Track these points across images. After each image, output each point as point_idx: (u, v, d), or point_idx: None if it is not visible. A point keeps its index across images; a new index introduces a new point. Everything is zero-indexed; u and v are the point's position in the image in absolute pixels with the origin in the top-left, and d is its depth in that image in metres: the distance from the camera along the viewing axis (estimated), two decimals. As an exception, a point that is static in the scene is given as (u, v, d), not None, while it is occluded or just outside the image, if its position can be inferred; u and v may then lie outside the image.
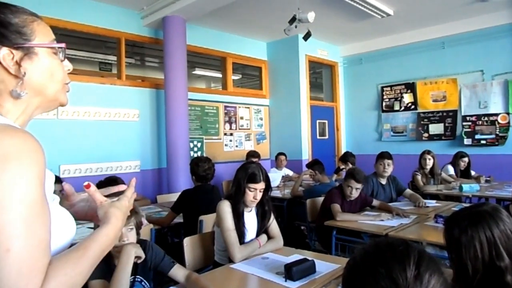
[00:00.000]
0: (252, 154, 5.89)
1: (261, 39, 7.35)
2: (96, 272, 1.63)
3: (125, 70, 5.58)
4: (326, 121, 7.83)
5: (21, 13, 0.82)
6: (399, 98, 7.23)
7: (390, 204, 3.72)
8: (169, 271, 1.90)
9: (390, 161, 4.02)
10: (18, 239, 0.65)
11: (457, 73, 6.51)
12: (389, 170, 4.04)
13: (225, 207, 2.30)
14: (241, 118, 7.06)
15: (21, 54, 0.79)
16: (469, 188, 4.45)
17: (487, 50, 6.19)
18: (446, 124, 6.67)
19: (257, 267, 2.06)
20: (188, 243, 2.46)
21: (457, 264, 1.26)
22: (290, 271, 1.83)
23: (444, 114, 6.70)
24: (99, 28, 5.21)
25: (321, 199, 3.75)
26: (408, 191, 4.14)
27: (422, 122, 6.96)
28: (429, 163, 4.84)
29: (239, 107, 7.03)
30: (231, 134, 6.86)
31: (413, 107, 7.08)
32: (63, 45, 0.88)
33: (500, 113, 6.11)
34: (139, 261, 1.77)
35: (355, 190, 3.41)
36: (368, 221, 3.14)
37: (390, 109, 7.36)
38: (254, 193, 2.30)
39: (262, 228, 2.40)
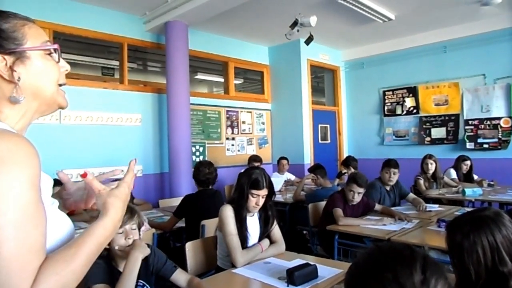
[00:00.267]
0: (254, 158, 5.90)
1: (263, 43, 7.37)
2: (99, 275, 1.63)
3: (128, 75, 5.60)
4: (328, 125, 7.83)
5: (12, 18, 0.82)
6: (401, 102, 7.22)
7: (393, 208, 3.71)
8: (171, 275, 1.90)
9: (396, 170, 4.01)
10: (8, 243, 0.65)
11: (459, 77, 6.51)
12: (394, 179, 4.03)
13: (228, 211, 2.30)
14: (243, 122, 7.07)
15: (13, 59, 0.79)
16: (472, 192, 4.44)
17: (489, 54, 6.19)
18: (448, 128, 6.65)
19: (259, 272, 2.05)
20: (190, 247, 2.46)
21: (460, 269, 1.26)
22: (292, 276, 1.83)
23: (446, 118, 6.69)
24: (101, 33, 5.24)
25: (323, 203, 3.74)
26: (411, 195, 4.14)
27: (424, 126, 6.95)
28: (431, 167, 4.83)
29: (241, 111, 7.04)
30: (233, 139, 6.87)
31: (415, 111, 7.08)
32: (55, 46, 0.87)
33: (502, 117, 6.10)
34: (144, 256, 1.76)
35: (357, 195, 3.40)
36: (371, 226, 3.13)
37: (392, 113, 7.36)
38: (256, 199, 2.29)
39: (265, 233, 2.40)
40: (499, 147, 6.10)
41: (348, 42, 7.33)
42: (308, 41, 5.34)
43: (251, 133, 7.19)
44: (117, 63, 6.14)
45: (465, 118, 6.45)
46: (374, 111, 7.67)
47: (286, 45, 7.04)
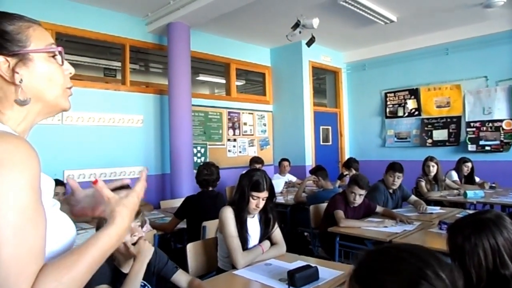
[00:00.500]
0: (256, 160, 5.90)
1: (264, 45, 7.38)
2: (100, 276, 1.63)
3: (130, 76, 5.61)
4: (330, 127, 7.83)
5: (17, 20, 0.82)
6: (403, 104, 7.22)
7: (394, 210, 3.71)
8: (172, 276, 1.90)
9: (400, 175, 4.00)
10: (6, 246, 0.65)
11: (461, 79, 6.50)
12: (398, 183, 4.03)
13: (228, 213, 2.30)
14: (245, 124, 7.07)
15: (15, 60, 0.79)
16: (474, 194, 4.42)
17: (491, 56, 6.18)
18: (450, 130, 6.64)
19: (260, 274, 2.05)
20: (191, 249, 2.46)
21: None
22: (293, 278, 1.82)
23: (448, 120, 6.68)
24: (104, 35, 5.25)
25: (324, 205, 3.74)
26: (413, 197, 4.15)
27: (426, 128, 6.94)
28: (433, 170, 4.82)
29: (243, 113, 7.04)
30: (235, 140, 6.87)
31: (416, 113, 7.07)
32: (59, 48, 0.86)
33: (504, 119, 6.09)
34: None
35: (358, 196, 3.40)
36: (372, 228, 3.13)
37: (394, 115, 7.35)
38: (257, 201, 2.30)
39: (265, 235, 2.40)
40: (501, 149, 6.09)
41: (350, 44, 7.33)
42: (310, 43, 5.35)
43: (252, 135, 7.19)
44: (119, 64, 6.16)
45: (467, 120, 6.44)
46: (375, 113, 7.66)
47: (288, 47, 7.05)
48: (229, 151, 6.75)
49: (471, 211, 3.69)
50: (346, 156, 7.61)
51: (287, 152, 6.92)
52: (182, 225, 3.37)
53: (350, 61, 7.95)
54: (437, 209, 3.90)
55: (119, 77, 6.31)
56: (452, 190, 4.80)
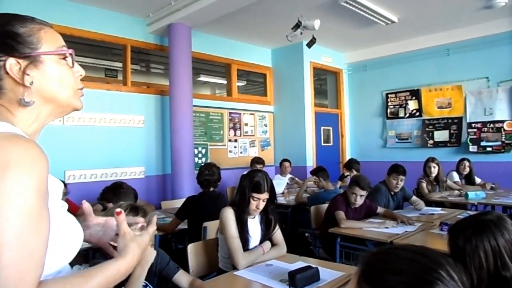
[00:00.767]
0: (257, 160, 5.89)
1: (265, 45, 7.38)
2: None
3: (131, 77, 5.62)
4: (331, 128, 7.83)
5: (29, 22, 0.82)
6: (404, 105, 7.21)
7: (395, 211, 3.71)
8: (174, 276, 1.90)
9: (404, 177, 4.02)
10: (8, 249, 0.64)
11: (462, 79, 6.50)
12: (400, 185, 4.05)
13: (229, 214, 2.30)
14: (246, 124, 7.07)
15: (26, 62, 0.80)
16: (475, 195, 4.42)
17: (492, 56, 6.17)
18: (451, 131, 6.64)
19: (261, 274, 2.05)
20: (192, 249, 2.46)
21: (462, 273, 1.25)
22: (294, 279, 1.82)
23: (449, 121, 6.68)
24: (105, 35, 5.26)
25: (325, 206, 3.74)
26: (414, 198, 4.14)
27: (427, 129, 6.93)
28: (434, 171, 4.81)
29: (244, 113, 7.04)
30: (236, 141, 6.87)
31: (418, 114, 7.06)
32: (70, 50, 0.87)
33: (505, 120, 6.08)
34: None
35: (359, 197, 3.40)
36: (373, 229, 3.12)
37: (395, 115, 7.34)
38: (257, 202, 2.29)
39: (266, 237, 2.39)
40: (502, 150, 6.08)
41: (351, 44, 7.33)
42: (310, 44, 5.33)
43: (253, 135, 7.19)
44: (120, 64, 6.17)
45: (468, 121, 6.43)
46: (376, 113, 7.66)
47: (289, 48, 7.05)
48: (230, 151, 6.76)
49: (472, 212, 3.68)
50: (347, 157, 7.60)
51: (288, 153, 6.92)
52: (183, 225, 3.37)
53: (351, 61, 7.95)
54: (438, 210, 3.90)
55: (120, 77, 6.32)
56: (453, 191, 4.80)
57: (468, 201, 4.39)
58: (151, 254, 1.74)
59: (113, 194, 3.03)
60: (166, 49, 5.66)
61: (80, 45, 5.74)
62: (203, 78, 8.03)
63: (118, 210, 0.88)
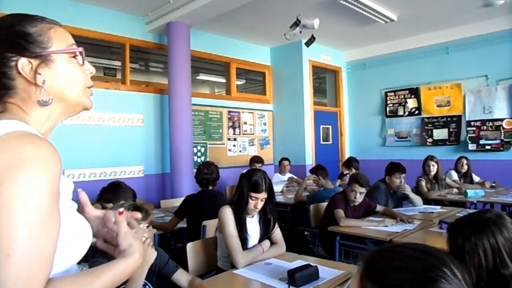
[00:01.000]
0: (256, 159, 5.89)
1: (264, 44, 7.37)
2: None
3: (130, 75, 5.62)
4: (330, 126, 7.83)
5: (39, 22, 0.83)
6: (403, 103, 7.21)
7: (395, 210, 3.71)
8: (173, 275, 1.90)
9: (404, 175, 4.04)
10: (19, 246, 0.64)
11: (461, 78, 6.50)
12: (403, 183, 4.05)
13: (227, 213, 2.30)
14: (245, 123, 7.07)
15: (38, 62, 0.80)
16: (474, 193, 4.42)
17: (491, 55, 6.17)
18: (451, 129, 6.64)
19: (260, 273, 2.05)
20: (191, 248, 2.46)
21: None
22: (293, 277, 1.82)
23: (448, 119, 6.68)
24: (104, 34, 5.25)
25: (324, 204, 3.74)
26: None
27: (426, 127, 6.94)
28: (433, 169, 4.81)
29: (243, 112, 7.04)
30: (235, 139, 6.87)
31: (417, 112, 7.06)
32: (80, 49, 0.88)
33: (505, 118, 6.08)
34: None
35: (359, 195, 3.40)
36: (372, 227, 3.12)
37: (394, 114, 7.34)
38: (255, 202, 2.29)
39: (265, 236, 2.39)
40: (501, 148, 6.08)
41: (350, 43, 7.32)
42: (309, 42, 5.32)
43: (252, 134, 7.19)
44: (119, 63, 6.15)
45: (467, 119, 6.43)
46: (376, 112, 7.66)
47: (288, 46, 7.04)
48: (229, 150, 6.75)
49: (471, 211, 3.69)
50: (346, 155, 7.60)
51: (287, 152, 6.92)
52: (182, 224, 3.37)
53: (350, 60, 7.95)
54: (437, 208, 3.90)
55: (119, 76, 6.30)
56: (452, 189, 4.80)
57: (467, 199, 4.39)
58: (152, 255, 1.74)
59: (113, 194, 3.03)
60: (165, 48, 5.65)
61: (79, 43, 5.58)
62: (202, 76, 8.01)
63: (121, 209, 0.88)
